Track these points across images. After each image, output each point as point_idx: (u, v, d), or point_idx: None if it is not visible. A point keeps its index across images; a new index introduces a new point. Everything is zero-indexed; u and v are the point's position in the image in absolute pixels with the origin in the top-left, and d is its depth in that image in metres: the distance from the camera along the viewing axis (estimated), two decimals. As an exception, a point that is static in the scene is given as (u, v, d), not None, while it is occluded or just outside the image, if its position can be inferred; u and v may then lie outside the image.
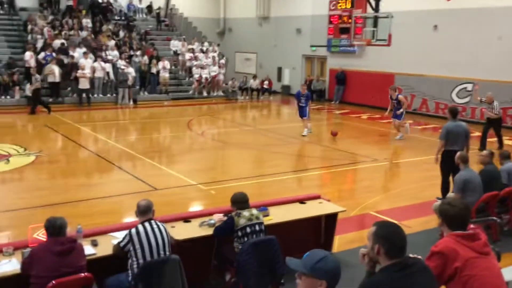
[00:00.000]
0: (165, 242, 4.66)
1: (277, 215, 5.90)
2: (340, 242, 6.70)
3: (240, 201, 5.18)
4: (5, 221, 7.46)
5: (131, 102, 20.61)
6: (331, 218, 6.38)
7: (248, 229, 5.03)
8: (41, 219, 6.72)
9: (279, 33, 25.89)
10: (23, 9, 23.34)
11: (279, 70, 26.35)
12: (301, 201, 6.46)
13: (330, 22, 22.82)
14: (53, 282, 4.02)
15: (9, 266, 4.40)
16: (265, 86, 24.63)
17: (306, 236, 6.24)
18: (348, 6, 21.83)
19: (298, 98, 14.52)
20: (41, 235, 4.72)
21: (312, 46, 23.78)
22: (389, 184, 10.05)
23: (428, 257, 3.19)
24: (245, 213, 5.11)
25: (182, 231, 5.35)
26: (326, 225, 6.44)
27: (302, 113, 14.49)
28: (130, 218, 7.58)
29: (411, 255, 2.77)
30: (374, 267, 2.74)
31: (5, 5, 22.96)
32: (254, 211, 5.22)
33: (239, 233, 5.04)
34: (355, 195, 9.56)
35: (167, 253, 4.64)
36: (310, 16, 23.67)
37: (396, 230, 2.70)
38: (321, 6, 22.94)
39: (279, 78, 26.32)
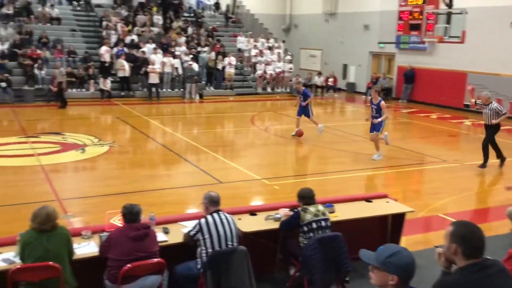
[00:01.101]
0: (233, 233, 4.78)
1: (343, 212, 5.87)
2: (406, 243, 6.54)
3: (306, 196, 5.20)
4: (81, 207, 7.90)
5: (197, 97, 21.10)
6: (398, 218, 6.26)
7: (314, 225, 5.05)
8: (114, 206, 7.06)
9: (346, 29, 25.53)
10: (98, 5, 24.48)
11: (345, 67, 25.99)
12: (368, 199, 6.38)
13: (400, 18, 22.20)
14: (128, 265, 4.23)
15: (88, 248, 4.68)
16: (329, 83, 24.39)
17: (372, 235, 6.15)
18: (420, 2, 21.14)
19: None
20: (117, 221, 4.97)
21: (380, 42, 23.27)
22: (460, 186, 9.67)
23: (506, 259, 3.07)
24: (311, 208, 5.13)
25: (248, 224, 5.44)
26: (392, 225, 6.32)
27: (304, 113, 13.56)
28: (197, 209, 7.84)
29: (489, 257, 2.69)
30: (450, 267, 2.68)
31: (82, 2, 24.17)
32: (320, 207, 5.22)
33: (305, 228, 5.06)
34: (423, 196, 9.30)
35: (235, 244, 4.76)
36: (378, 12, 23.15)
37: (474, 230, 2.63)
38: (390, 2, 22.38)
39: (344, 75, 25.98)
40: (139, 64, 20.52)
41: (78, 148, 11.79)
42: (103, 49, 20.60)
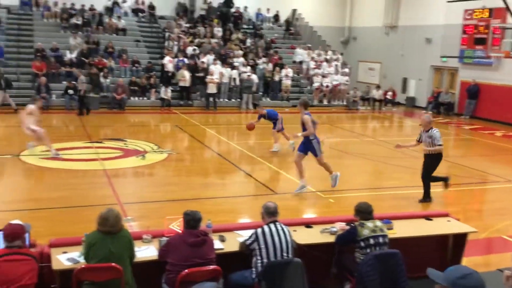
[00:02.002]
0: (288, 244, 4.78)
1: (401, 229, 5.73)
2: (467, 265, 6.29)
3: (364, 211, 5.13)
4: (141, 211, 8.15)
5: (251, 106, 21.30)
6: (460, 239, 6.03)
7: (371, 241, 4.97)
8: (172, 212, 7.23)
9: (407, 42, 25.03)
10: (162, 17, 25.31)
11: (404, 81, 25.44)
12: (428, 217, 6.20)
13: (464, 32, 21.51)
14: (186, 270, 4.33)
15: (148, 252, 4.83)
16: (388, 97, 23.94)
17: (431, 255, 5.96)
18: (486, 15, 20.41)
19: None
20: (176, 226, 5.10)
21: (442, 56, 22.62)
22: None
23: None
24: (369, 224, 5.05)
25: (303, 236, 5.43)
26: (453, 245, 6.10)
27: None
28: (251, 218, 7.90)
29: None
30: (518, 291, 2.57)
31: (147, 14, 25.10)
32: (378, 223, 5.13)
33: (362, 244, 4.99)
34: (485, 216, 8.92)
35: (290, 255, 4.76)
36: (441, 26, 22.53)
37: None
38: (454, 15, 21.72)
39: (404, 89, 25.41)
40: (199, 74, 21.02)
41: (138, 155, 12.18)
42: (166, 59, 21.27)
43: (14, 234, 4.01)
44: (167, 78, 21.08)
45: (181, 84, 20.64)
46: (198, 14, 26.10)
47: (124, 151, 12.52)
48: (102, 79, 19.99)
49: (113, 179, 9.98)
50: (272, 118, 13.63)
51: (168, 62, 21.22)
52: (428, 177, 9.14)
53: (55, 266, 4.41)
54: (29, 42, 21.27)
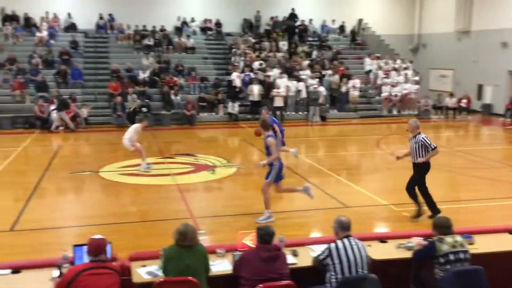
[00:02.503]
0: (363, 260, 4.68)
1: (483, 245, 5.43)
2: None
3: (443, 226, 4.92)
4: (213, 225, 8.28)
5: (320, 120, 21.17)
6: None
7: (451, 257, 4.75)
8: (243, 226, 7.31)
9: (481, 47, 23.94)
10: (228, 34, 25.89)
11: (480, 87, 24.30)
12: (511, 231, 5.84)
13: (544, 34, 20.30)
14: (260, 285, 4.35)
15: (222, 266, 4.90)
16: (462, 105, 22.94)
17: (517, 272, 5.60)
18: None
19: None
20: (249, 241, 5.14)
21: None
22: None
23: None
24: (448, 239, 4.84)
25: (378, 251, 5.29)
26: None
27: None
28: (323, 232, 7.81)
29: None
30: None
31: (214, 32, 25.78)
32: (458, 238, 4.90)
33: (441, 260, 4.78)
34: None
35: (365, 271, 4.64)
36: (518, 28, 21.41)
37: None
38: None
39: (479, 96, 24.27)
40: (266, 88, 21.23)
41: (209, 169, 12.44)
42: (234, 75, 21.71)
43: (98, 248, 4.22)
44: (234, 93, 21.46)
45: (251, 98, 20.97)
46: (263, 29, 26.45)
47: (195, 166, 12.83)
48: (172, 97, 20.68)
49: (185, 194, 10.25)
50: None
51: (236, 78, 21.64)
52: (421, 189, 8.31)
53: (135, 279, 4.58)
54: (105, 63, 22.47)
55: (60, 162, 13.28)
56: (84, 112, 19.19)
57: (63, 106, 18.44)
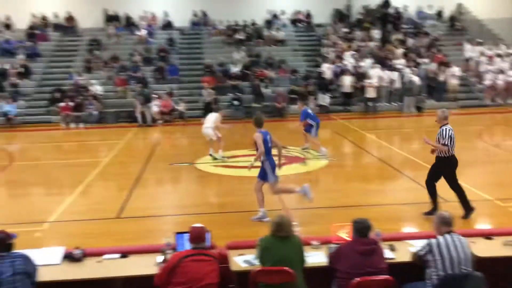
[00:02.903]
0: (467, 257, 4.44)
1: None
2: None
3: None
4: (306, 217, 8.27)
5: (416, 110, 20.33)
6: None
7: None
8: (336, 219, 7.23)
9: None
10: (319, 25, 25.65)
11: None
12: None
13: None
14: (357, 279, 4.29)
15: (317, 258, 4.91)
16: None
17: None
18: None
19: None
20: (344, 234, 5.09)
21: None
22: None
23: None
24: None
25: (483, 248, 5.01)
26: None
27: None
28: (419, 227, 7.53)
29: None
30: None
31: (304, 24, 25.66)
32: None
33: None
34: None
35: (469, 268, 4.41)
36: None
37: None
38: None
39: None
40: (357, 79, 20.79)
41: (300, 161, 12.45)
42: (325, 66, 21.51)
43: (199, 236, 4.41)
44: (325, 85, 21.24)
45: (342, 90, 20.67)
46: (354, 18, 25.87)
47: (286, 158, 12.89)
48: (263, 89, 20.93)
49: (278, 185, 10.32)
50: (312, 119, 13.17)
51: (326, 69, 21.41)
52: (429, 184, 7.81)
53: (233, 267, 4.72)
54: (199, 59, 23.26)
55: (159, 154, 13.99)
56: (182, 106, 20.00)
57: (145, 100, 19.43)
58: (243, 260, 4.82)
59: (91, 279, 4.61)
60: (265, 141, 7.84)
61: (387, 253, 4.86)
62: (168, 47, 23.40)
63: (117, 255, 4.98)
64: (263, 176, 8.01)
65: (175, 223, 8.28)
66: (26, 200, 10.22)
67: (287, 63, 22.57)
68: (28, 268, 4.21)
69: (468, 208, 7.71)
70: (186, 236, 4.76)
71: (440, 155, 7.62)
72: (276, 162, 8.03)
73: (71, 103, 19.40)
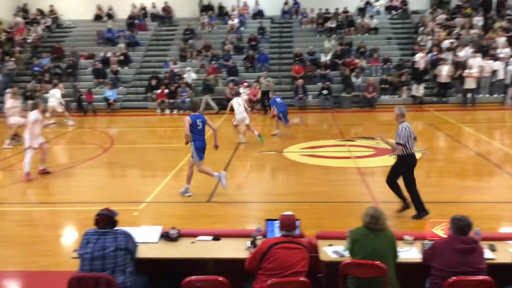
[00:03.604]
0: None
1: None
2: None
3: None
4: (395, 211, 8.02)
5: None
6: None
7: None
8: (430, 215, 6.96)
9: None
10: (415, 12, 24.58)
11: None
12: None
13: None
14: (453, 278, 4.09)
15: (410, 253, 4.75)
16: None
17: None
18: None
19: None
20: (439, 230, 4.88)
21: None
22: None
23: None
24: None
25: None
26: None
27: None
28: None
29: None
30: None
31: (399, 10, 24.70)
32: None
33: None
34: None
35: None
36: None
37: None
38: None
39: None
40: (456, 68, 19.70)
41: (391, 154, 12.07)
42: (418, 56, 20.62)
43: (290, 224, 4.43)
44: (420, 75, 20.36)
45: (438, 79, 19.70)
46: (454, 4, 24.45)
47: (376, 150, 12.58)
48: (353, 79, 20.50)
49: (366, 177, 10.14)
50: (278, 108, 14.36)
51: (420, 59, 20.51)
52: (390, 182, 7.57)
53: (322, 257, 4.70)
54: (289, 48, 23.26)
55: (248, 141, 14.23)
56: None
57: (207, 89, 19.91)
58: (332, 251, 4.78)
59: (186, 259, 4.81)
60: (193, 124, 8.69)
61: (487, 253, 4.58)
62: (259, 35, 23.62)
63: (210, 237, 5.15)
64: (199, 155, 8.91)
65: (263, 210, 8.42)
66: (124, 181, 10.88)
67: (380, 52, 21.89)
68: (129, 245, 4.48)
69: (422, 209, 7.50)
70: (276, 223, 4.81)
71: (399, 153, 7.45)
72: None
73: (166, 90, 20.28)
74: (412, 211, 7.61)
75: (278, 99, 14.74)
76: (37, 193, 9.95)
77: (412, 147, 7.28)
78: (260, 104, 19.68)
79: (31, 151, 10.29)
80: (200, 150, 8.87)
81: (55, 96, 17.06)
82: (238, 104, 13.56)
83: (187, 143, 8.86)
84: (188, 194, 9.01)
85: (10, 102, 13.76)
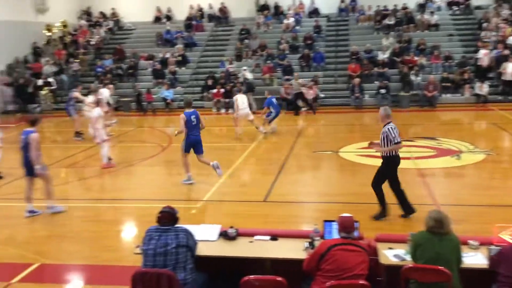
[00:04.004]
0: None
1: None
2: None
3: None
4: (459, 214, 7.72)
5: None
6: None
7: None
8: (494, 218, 6.67)
9: None
10: (478, 7, 23.59)
11: None
12: None
13: None
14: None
15: (476, 259, 4.56)
16: None
17: None
18: None
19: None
20: (507, 235, 4.65)
21: None
22: None
23: None
24: None
25: None
26: None
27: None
28: None
29: None
30: None
31: (461, 5, 23.78)
32: None
33: None
34: None
35: None
36: None
37: None
38: None
39: None
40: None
41: (453, 154, 11.66)
42: (482, 53, 19.78)
43: (349, 225, 4.35)
44: (483, 72, 19.51)
45: (503, 77, 18.82)
46: (521, -2, 23.27)
47: (437, 150, 12.18)
48: (412, 77, 19.93)
49: (427, 179, 9.83)
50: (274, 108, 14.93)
51: (483, 56, 19.65)
52: (376, 186, 7.49)
53: (382, 260, 4.60)
54: (345, 46, 22.92)
55: (303, 141, 14.17)
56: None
57: (249, 89, 19.99)
58: (393, 254, 4.66)
59: (244, 258, 4.85)
60: (188, 121, 9.56)
61: (561, 262, 4.31)
62: (315, 34, 23.44)
63: (267, 237, 5.16)
64: (185, 148, 9.79)
65: (319, 210, 8.34)
66: (182, 179, 11.11)
67: (441, 49, 21.16)
68: (189, 242, 4.57)
69: (409, 209, 7.50)
70: (334, 224, 4.75)
71: (383, 154, 7.46)
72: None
73: (222, 90, 20.53)
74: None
75: (274, 100, 15.37)
76: (99, 190, 10.35)
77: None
78: (293, 105, 19.50)
79: (104, 143, 11.33)
80: (190, 145, 9.75)
81: (103, 95, 17.64)
82: (242, 101, 14.57)
83: (177, 134, 9.96)
84: (190, 182, 9.91)
85: (90, 98, 14.77)
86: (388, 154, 7.39)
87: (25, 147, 8.08)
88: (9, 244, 7.15)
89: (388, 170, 7.50)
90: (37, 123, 8.45)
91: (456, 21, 23.28)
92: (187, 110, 9.75)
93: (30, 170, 8.17)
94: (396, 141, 7.21)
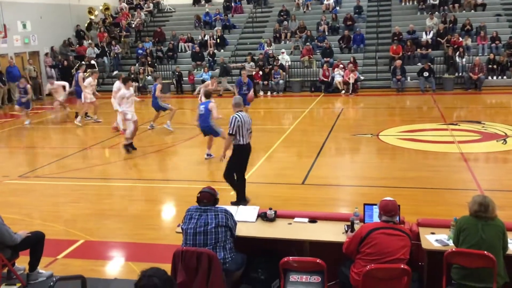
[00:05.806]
0: None
1: None
2: None
3: None
4: (504, 200, 7.48)
5: None
6: None
7: None
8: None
9: None
10: (528, -15, 22.48)
11: None
12: None
13: None
14: None
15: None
16: None
17: None
18: None
19: (239, 85, 14.13)
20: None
21: None
22: None
23: None
24: None
25: None
26: None
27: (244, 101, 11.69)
28: None
29: None
30: None
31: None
32: None
33: None
34: None
35: None
36: None
37: None
38: None
39: None
40: None
41: (499, 139, 11.28)
42: (532, 33, 18.91)
43: (392, 209, 4.27)
44: (533, 54, 18.69)
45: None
46: None
47: (482, 134, 11.82)
48: (457, 59, 19.30)
49: (471, 163, 9.56)
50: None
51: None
52: (227, 175, 7.51)
53: (424, 245, 4.51)
54: (387, 27, 22.36)
55: (342, 124, 14.00)
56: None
57: (224, 72, 20.09)
58: (435, 239, 4.57)
59: (282, 239, 4.86)
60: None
61: None
62: (355, 15, 22.95)
63: (306, 220, 5.14)
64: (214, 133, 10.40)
65: (357, 193, 8.27)
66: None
67: (487, 30, 20.34)
68: (229, 222, 4.61)
69: (242, 198, 7.56)
70: (375, 208, 4.69)
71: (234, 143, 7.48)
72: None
73: (260, 72, 20.46)
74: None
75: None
76: (141, 170, 10.57)
77: (244, 137, 7.37)
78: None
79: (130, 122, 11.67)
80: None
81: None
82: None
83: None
84: (210, 156, 10.53)
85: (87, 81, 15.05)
86: (235, 142, 7.47)
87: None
88: (56, 222, 7.41)
89: (234, 159, 7.56)
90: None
91: (504, 0, 22.27)
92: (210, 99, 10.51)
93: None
94: (229, 132, 7.37)
